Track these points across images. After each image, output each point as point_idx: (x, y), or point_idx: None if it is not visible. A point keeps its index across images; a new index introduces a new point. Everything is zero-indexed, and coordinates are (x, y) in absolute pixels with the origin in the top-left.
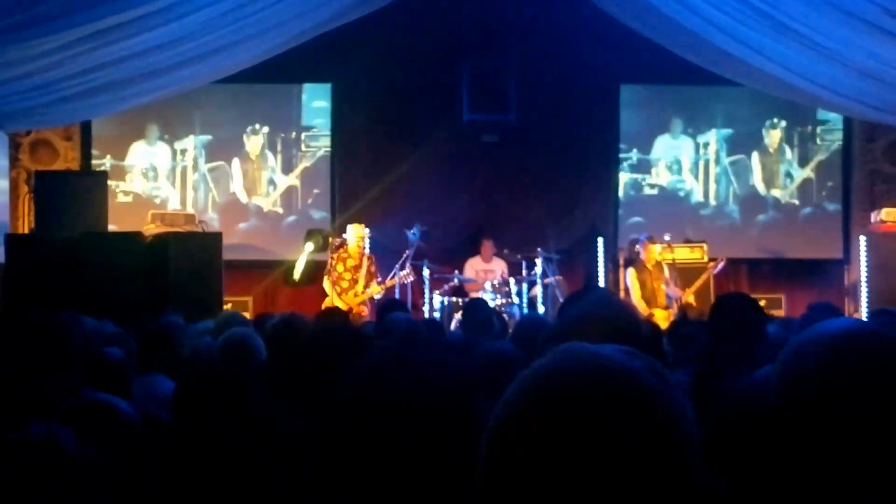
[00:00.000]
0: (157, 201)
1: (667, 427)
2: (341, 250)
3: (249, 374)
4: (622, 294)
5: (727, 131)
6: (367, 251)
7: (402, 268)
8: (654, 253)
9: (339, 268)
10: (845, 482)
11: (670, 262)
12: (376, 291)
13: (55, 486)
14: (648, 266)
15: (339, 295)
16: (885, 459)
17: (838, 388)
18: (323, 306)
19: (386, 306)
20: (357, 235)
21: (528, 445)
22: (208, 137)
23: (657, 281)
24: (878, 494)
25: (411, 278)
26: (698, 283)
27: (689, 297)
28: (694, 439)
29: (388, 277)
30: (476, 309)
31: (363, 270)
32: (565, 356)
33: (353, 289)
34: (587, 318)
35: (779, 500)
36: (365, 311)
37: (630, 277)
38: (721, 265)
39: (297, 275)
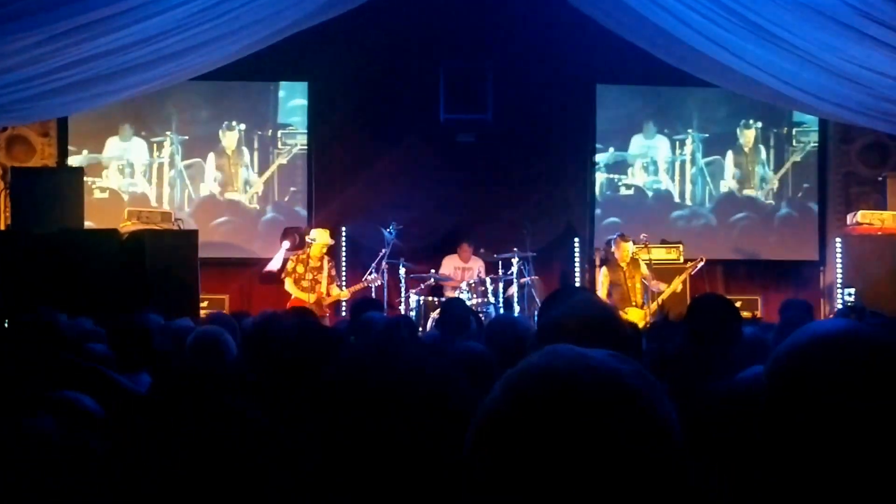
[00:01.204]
0: (134, 197)
1: (655, 429)
2: (300, 252)
3: (222, 370)
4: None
5: (702, 132)
6: (325, 254)
7: (377, 271)
8: (627, 251)
9: (300, 269)
10: (839, 482)
11: (647, 260)
12: (343, 296)
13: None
14: (622, 264)
15: (305, 292)
16: (881, 458)
17: (832, 389)
18: (289, 305)
19: (360, 305)
20: (322, 242)
21: (516, 445)
22: (185, 134)
23: (632, 279)
24: (873, 493)
25: (378, 283)
26: (678, 280)
27: (668, 293)
28: (680, 441)
29: (364, 279)
30: (453, 308)
31: (324, 273)
32: (553, 357)
33: (314, 289)
34: (571, 319)
35: (770, 501)
36: (327, 312)
37: (602, 276)
38: (700, 265)
39: (273, 267)
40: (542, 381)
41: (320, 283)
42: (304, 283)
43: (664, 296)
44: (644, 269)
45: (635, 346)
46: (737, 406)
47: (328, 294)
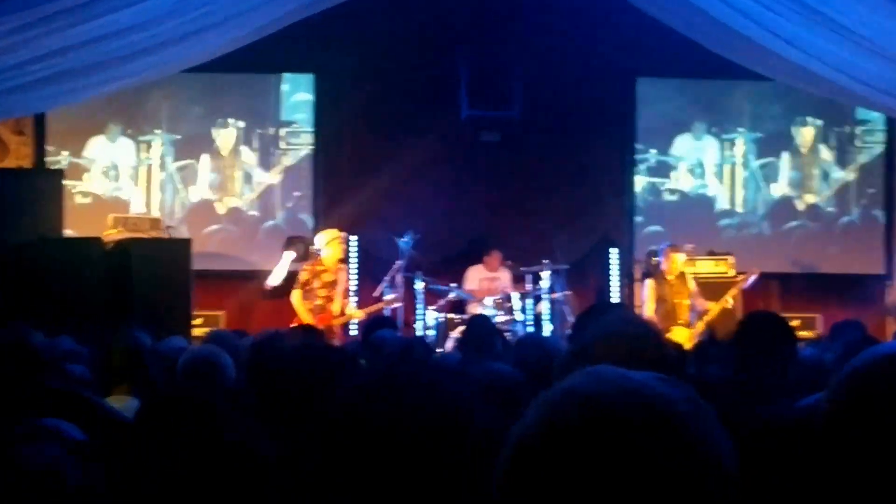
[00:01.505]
0: (119, 203)
1: (708, 461)
2: (315, 263)
3: (217, 394)
4: (638, 311)
5: (755, 131)
6: (343, 262)
7: (392, 285)
8: (677, 263)
9: (315, 283)
10: None
11: (693, 274)
12: (358, 316)
13: None
14: (669, 278)
15: (312, 313)
16: None
17: None
18: (293, 324)
19: (372, 324)
20: (332, 241)
21: (552, 478)
22: (177, 133)
23: (679, 295)
24: None
25: (398, 304)
26: (727, 296)
27: (716, 310)
28: (736, 475)
29: (379, 294)
30: (477, 326)
31: (339, 287)
32: (594, 379)
33: (327, 308)
34: (609, 338)
35: None
36: (338, 332)
37: (647, 289)
38: (753, 278)
39: (274, 281)
40: (582, 407)
41: (333, 300)
42: (318, 301)
43: (712, 314)
44: (692, 285)
45: (678, 369)
46: (795, 435)
47: (342, 313)
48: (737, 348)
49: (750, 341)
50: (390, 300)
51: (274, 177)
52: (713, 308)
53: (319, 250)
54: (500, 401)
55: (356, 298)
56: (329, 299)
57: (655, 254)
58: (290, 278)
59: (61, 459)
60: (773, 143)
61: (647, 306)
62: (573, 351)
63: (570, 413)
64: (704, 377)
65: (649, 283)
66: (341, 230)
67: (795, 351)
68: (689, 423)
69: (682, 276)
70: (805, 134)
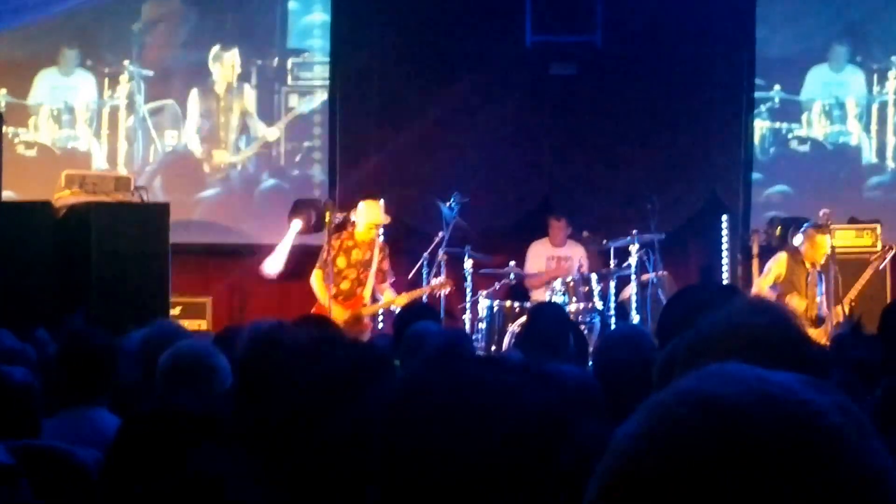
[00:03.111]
0: (75, 157)
1: (864, 484)
2: (345, 236)
3: (206, 410)
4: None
5: None
6: (381, 239)
7: (432, 263)
8: (823, 247)
9: (341, 262)
10: None
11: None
12: (399, 302)
13: None
14: (808, 265)
15: (338, 300)
16: None
17: None
18: (312, 312)
19: (407, 314)
20: (372, 219)
21: (671, 498)
22: (150, 66)
23: (814, 287)
24: None
25: (449, 288)
26: (859, 284)
27: (845, 309)
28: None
29: (415, 276)
30: (543, 317)
31: (373, 268)
32: (719, 380)
33: (356, 293)
34: (734, 330)
35: None
36: (368, 322)
37: (775, 264)
38: (890, 255)
39: (275, 266)
40: (707, 413)
41: (364, 284)
42: (345, 285)
43: (839, 313)
44: (833, 273)
45: (824, 372)
46: None
47: (374, 299)
48: (883, 340)
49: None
50: (440, 284)
51: (278, 125)
52: (837, 309)
53: (353, 222)
54: (575, 413)
55: (389, 282)
56: (359, 282)
57: (781, 222)
58: (295, 255)
59: None
60: None
61: (763, 280)
62: (688, 344)
63: (689, 421)
64: (849, 380)
65: (782, 257)
66: (364, 194)
67: None
68: (844, 438)
69: (827, 265)
70: None
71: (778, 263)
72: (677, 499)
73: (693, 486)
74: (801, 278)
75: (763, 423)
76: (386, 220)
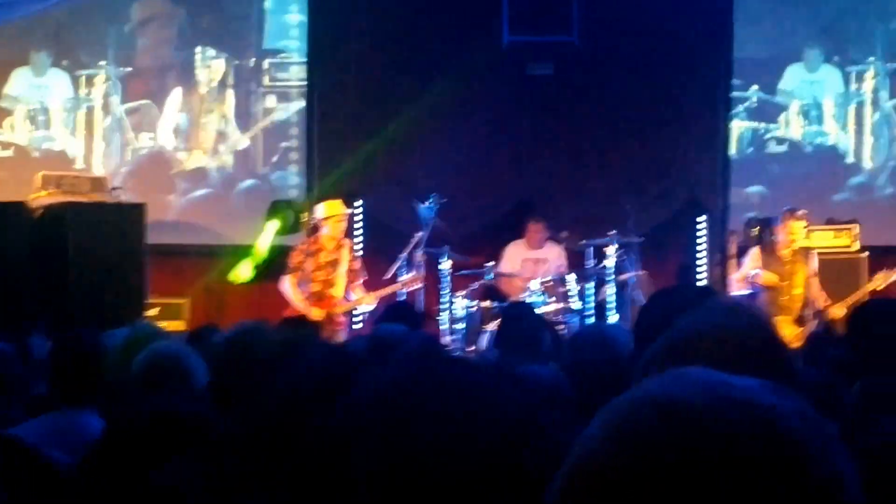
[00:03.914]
0: (50, 157)
1: (825, 490)
2: (311, 240)
3: (183, 408)
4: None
5: (892, 61)
6: (344, 238)
7: (410, 264)
8: (798, 233)
9: (310, 265)
10: None
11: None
12: (369, 301)
13: None
14: (784, 253)
15: (310, 302)
16: None
17: None
18: (285, 315)
19: (386, 313)
20: (333, 211)
21: (630, 501)
22: (126, 65)
23: (792, 277)
24: None
25: (419, 284)
26: (858, 294)
27: (839, 312)
28: None
29: (393, 277)
30: (518, 317)
31: (343, 268)
32: (681, 384)
33: (327, 293)
34: (709, 332)
35: None
36: (342, 320)
37: (750, 259)
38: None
39: (249, 271)
40: (666, 418)
41: (334, 284)
42: (315, 287)
43: (833, 312)
44: (814, 265)
45: (792, 375)
46: None
47: (346, 298)
48: (850, 343)
49: (866, 335)
50: (408, 280)
51: (248, 136)
52: (832, 308)
53: (317, 224)
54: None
55: (360, 281)
56: (329, 283)
57: (759, 223)
58: (273, 255)
59: None
60: None
61: (739, 273)
62: (663, 346)
63: (648, 426)
64: (817, 382)
65: (754, 252)
66: (345, 199)
67: None
68: (804, 443)
69: (801, 252)
70: None
71: (752, 258)
72: (636, 501)
73: (652, 489)
74: (778, 270)
75: (723, 427)
76: (347, 210)
